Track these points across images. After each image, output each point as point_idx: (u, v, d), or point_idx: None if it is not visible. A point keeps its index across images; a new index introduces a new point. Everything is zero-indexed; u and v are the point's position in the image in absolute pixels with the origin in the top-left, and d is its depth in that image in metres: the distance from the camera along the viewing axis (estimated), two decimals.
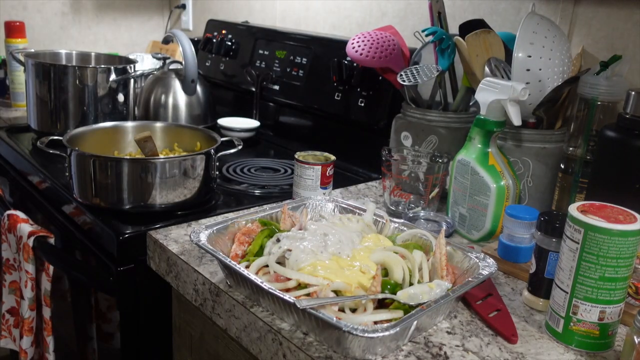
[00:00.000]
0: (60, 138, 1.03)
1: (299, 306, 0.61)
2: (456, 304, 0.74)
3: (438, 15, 1.09)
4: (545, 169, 0.97)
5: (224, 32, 1.74)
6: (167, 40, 1.64)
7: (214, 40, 1.74)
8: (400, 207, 1.03)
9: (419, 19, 1.33)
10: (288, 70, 1.51)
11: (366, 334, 0.58)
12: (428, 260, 0.76)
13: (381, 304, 0.69)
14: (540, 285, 0.75)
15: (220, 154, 1.07)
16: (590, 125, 0.92)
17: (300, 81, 1.47)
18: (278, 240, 0.76)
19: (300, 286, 0.69)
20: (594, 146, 0.91)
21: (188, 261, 0.82)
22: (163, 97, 1.53)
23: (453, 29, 1.09)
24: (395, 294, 0.68)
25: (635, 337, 0.58)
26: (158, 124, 1.23)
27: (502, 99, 0.87)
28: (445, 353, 0.65)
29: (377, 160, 1.09)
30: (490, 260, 0.75)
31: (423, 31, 1.09)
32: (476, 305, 0.73)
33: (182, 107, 1.54)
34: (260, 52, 1.61)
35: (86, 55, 1.62)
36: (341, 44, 1.27)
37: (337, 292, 0.68)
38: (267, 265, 0.73)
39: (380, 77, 1.22)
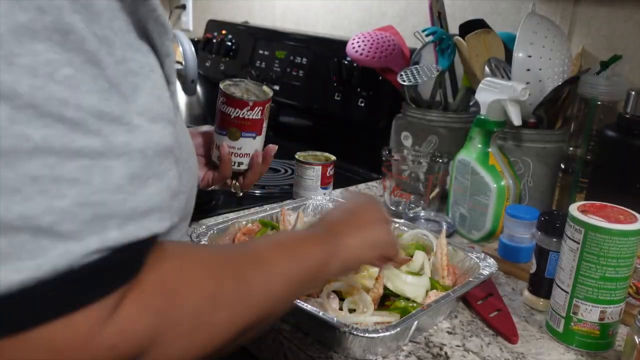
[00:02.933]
0: None
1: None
2: (457, 304, 0.74)
3: (438, 15, 1.09)
4: (546, 168, 0.97)
5: (224, 32, 1.74)
6: None
7: (214, 41, 1.74)
8: (400, 207, 1.03)
9: (419, 19, 1.33)
10: (288, 70, 1.51)
11: (367, 334, 0.58)
12: (429, 260, 0.76)
13: (381, 305, 0.69)
14: (541, 285, 0.75)
15: None
16: (590, 125, 0.92)
17: (300, 81, 1.47)
18: None
19: None
20: (594, 146, 0.91)
21: None
22: None
23: (453, 29, 1.09)
24: (396, 296, 0.69)
25: (635, 337, 0.58)
26: None
27: (502, 98, 0.87)
28: (445, 353, 0.65)
29: (377, 160, 1.09)
30: (491, 260, 0.75)
31: (423, 31, 1.09)
32: (477, 305, 0.73)
33: (182, 108, 1.54)
34: (260, 52, 1.61)
35: None
36: (341, 44, 1.26)
37: (337, 293, 0.68)
38: None
39: (380, 77, 1.22)
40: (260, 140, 0.80)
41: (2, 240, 0.29)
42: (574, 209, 0.65)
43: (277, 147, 0.83)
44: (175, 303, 0.36)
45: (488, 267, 0.74)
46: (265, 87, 0.80)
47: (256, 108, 0.76)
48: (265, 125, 0.80)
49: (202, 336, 0.38)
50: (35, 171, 0.29)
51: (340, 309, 0.66)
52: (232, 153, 0.78)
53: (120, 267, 0.33)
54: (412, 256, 0.76)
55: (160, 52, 0.39)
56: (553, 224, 0.72)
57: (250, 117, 0.76)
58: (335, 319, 0.61)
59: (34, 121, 0.29)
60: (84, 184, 0.31)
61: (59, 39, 0.31)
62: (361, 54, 1.12)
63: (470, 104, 1.12)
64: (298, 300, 0.64)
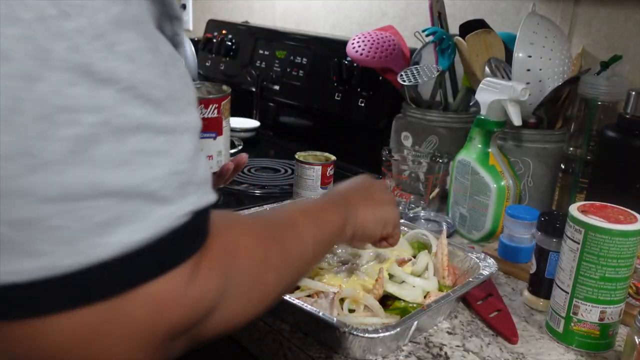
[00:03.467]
0: None
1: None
2: (457, 304, 0.74)
3: (438, 15, 1.09)
4: (546, 169, 0.97)
5: (224, 32, 1.74)
6: None
7: (214, 40, 1.74)
8: (400, 207, 1.03)
9: (419, 19, 1.33)
10: (288, 70, 1.51)
11: (367, 334, 0.58)
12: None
13: (381, 305, 0.69)
14: (541, 286, 0.75)
15: None
16: (590, 125, 0.92)
17: (300, 81, 1.47)
18: None
19: (299, 287, 0.69)
20: (594, 146, 0.91)
21: None
22: None
23: (453, 29, 1.09)
24: (397, 299, 0.69)
25: (635, 337, 0.58)
26: None
27: (502, 99, 0.87)
28: (445, 353, 0.65)
29: (377, 160, 1.09)
30: (491, 261, 0.75)
31: (423, 31, 1.09)
32: (477, 306, 0.73)
33: None
34: (260, 52, 1.61)
35: None
36: (341, 44, 1.26)
37: (343, 298, 0.68)
38: None
39: (380, 77, 1.22)
40: (223, 140, 0.75)
41: (118, 206, 0.32)
42: (574, 209, 0.65)
43: (247, 155, 0.82)
44: (236, 266, 0.39)
45: (488, 267, 0.74)
46: (224, 87, 0.77)
47: (210, 106, 0.72)
48: (225, 124, 0.76)
49: (257, 295, 0.42)
50: (141, 145, 0.33)
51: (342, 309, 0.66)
52: None
53: (200, 229, 0.37)
54: (414, 256, 0.76)
55: (174, 43, 0.41)
56: (553, 224, 0.72)
57: (206, 116, 0.72)
58: (335, 319, 0.61)
59: (132, 101, 0.33)
60: (170, 155, 0.34)
61: (140, 28, 0.34)
62: (361, 54, 1.12)
63: (470, 104, 1.12)
64: (298, 301, 0.64)
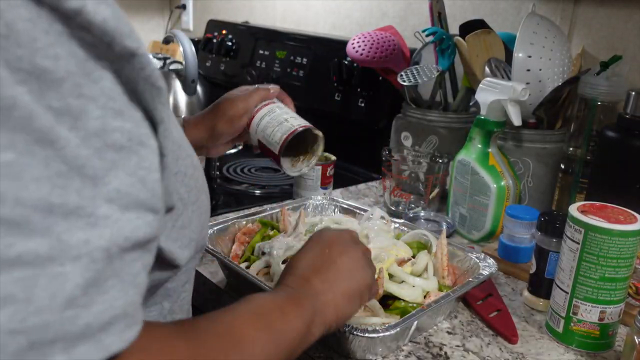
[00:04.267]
0: None
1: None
2: (456, 304, 0.74)
3: (438, 16, 1.09)
4: (546, 169, 0.97)
5: (224, 32, 1.74)
6: (167, 41, 1.64)
7: (214, 41, 1.74)
8: (400, 207, 1.03)
9: (420, 19, 1.33)
10: (288, 70, 1.51)
11: (367, 334, 0.58)
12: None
13: (381, 305, 0.69)
14: (541, 286, 0.75)
15: None
16: (590, 125, 0.92)
17: (300, 81, 1.47)
18: (263, 253, 0.75)
19: None
20: (594, 146, 0.91)
21: None
22: None
23: (453, 29, 1.09)
24: (397, 299, 0.69)
25: (635, 337, 0.58)
26: None
27: (502, 99, 0.87)
28: (445, 353, 0.65)
29: (377, 160, 1.09)
30: (491, 261, 0.75)
31: (423, 31, 1.09)
32: (476, 306, 0.73)
33: (183, 108, 1.54)
34: (261, 52, 1.61)
35: None
36: (341, 44, 1.26)
37: None
38: (267, 266, 0.73)
39: (380, 77, 1.22)
40: None
41: None
42: (573, 209, 0.65)
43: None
44: None
45: (488, 267, 0.74)
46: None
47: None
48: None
49: None
50: None
51: None
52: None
53: None
54: (414, 256, 0.76)
55: (152, 119, 0.33)
56: (553, 224, 0.72)
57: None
58: None
59: None
60: (21, 302, 0.24)
61: (9, 122, 0.25)
62: (361, 54, 1.12)
63: (470, 104, 1.12)
64: None
